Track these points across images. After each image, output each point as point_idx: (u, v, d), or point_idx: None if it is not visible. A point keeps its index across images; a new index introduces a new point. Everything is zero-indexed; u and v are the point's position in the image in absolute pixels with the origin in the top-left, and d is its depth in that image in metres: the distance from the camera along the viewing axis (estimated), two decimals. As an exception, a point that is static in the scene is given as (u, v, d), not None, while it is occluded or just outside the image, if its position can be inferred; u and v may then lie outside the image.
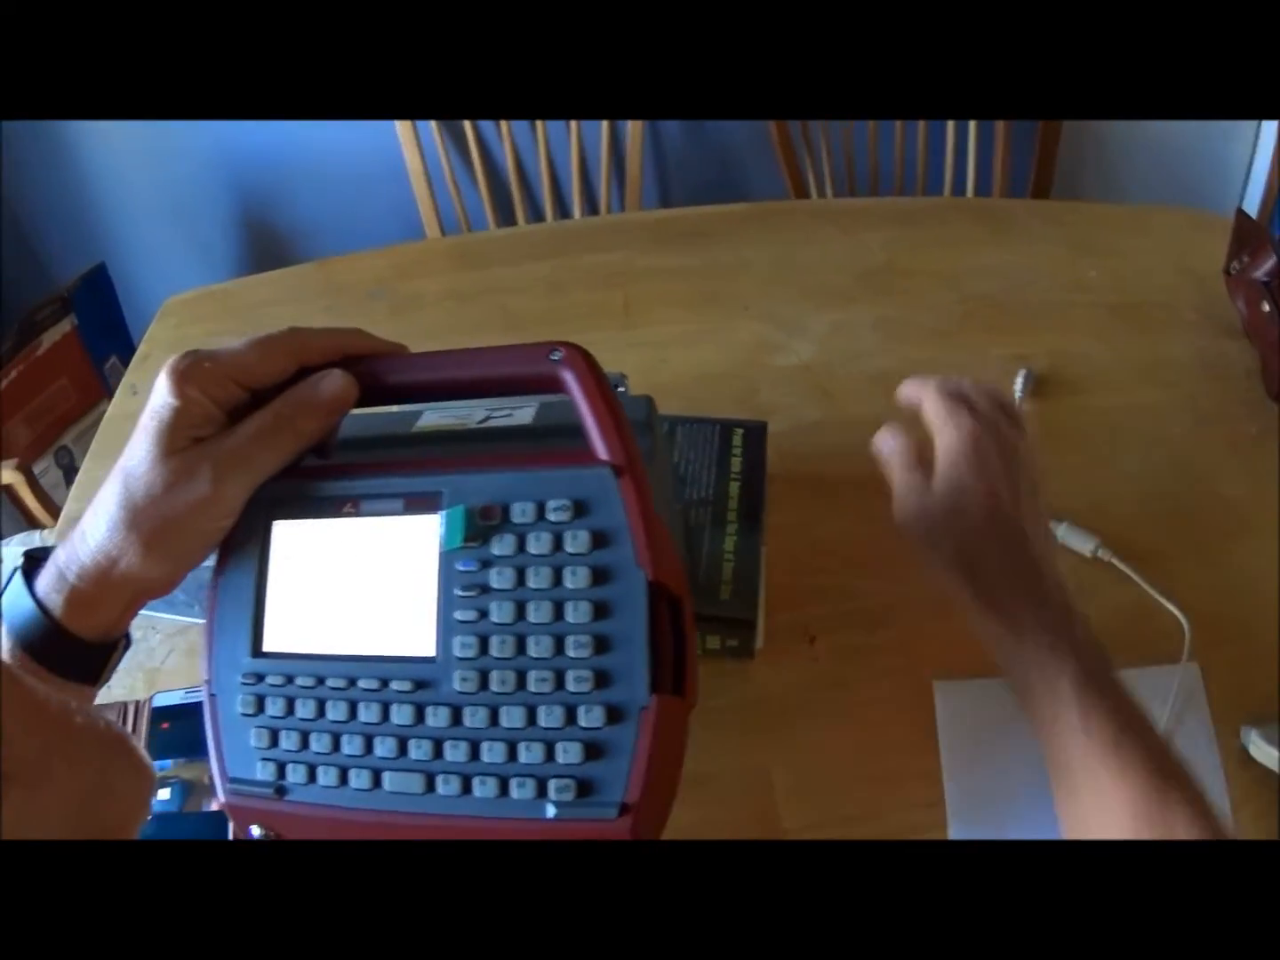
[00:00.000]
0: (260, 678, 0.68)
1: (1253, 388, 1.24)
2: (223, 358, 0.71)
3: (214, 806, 0.69)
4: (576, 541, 0.64)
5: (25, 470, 2.21)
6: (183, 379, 0.69)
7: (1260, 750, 0.91)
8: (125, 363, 2.84)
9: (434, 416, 0.85)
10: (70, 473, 2.77)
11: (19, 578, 0.71)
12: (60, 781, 0.46)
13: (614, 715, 0.61)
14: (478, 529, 0.66)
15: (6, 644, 0.69)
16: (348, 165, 2.65)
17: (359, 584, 0.69)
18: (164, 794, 1.03)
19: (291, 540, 0.71)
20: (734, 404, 1.14)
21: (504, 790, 0.62)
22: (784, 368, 1.31)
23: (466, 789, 0.63)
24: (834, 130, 2.36)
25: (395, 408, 0.89)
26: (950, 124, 2.30)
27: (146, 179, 2.79)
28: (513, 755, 0.62)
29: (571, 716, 0.62)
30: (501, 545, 0.65)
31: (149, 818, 0.55)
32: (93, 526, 0.69)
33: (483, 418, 0.83)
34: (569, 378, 0.69)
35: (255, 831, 0.68)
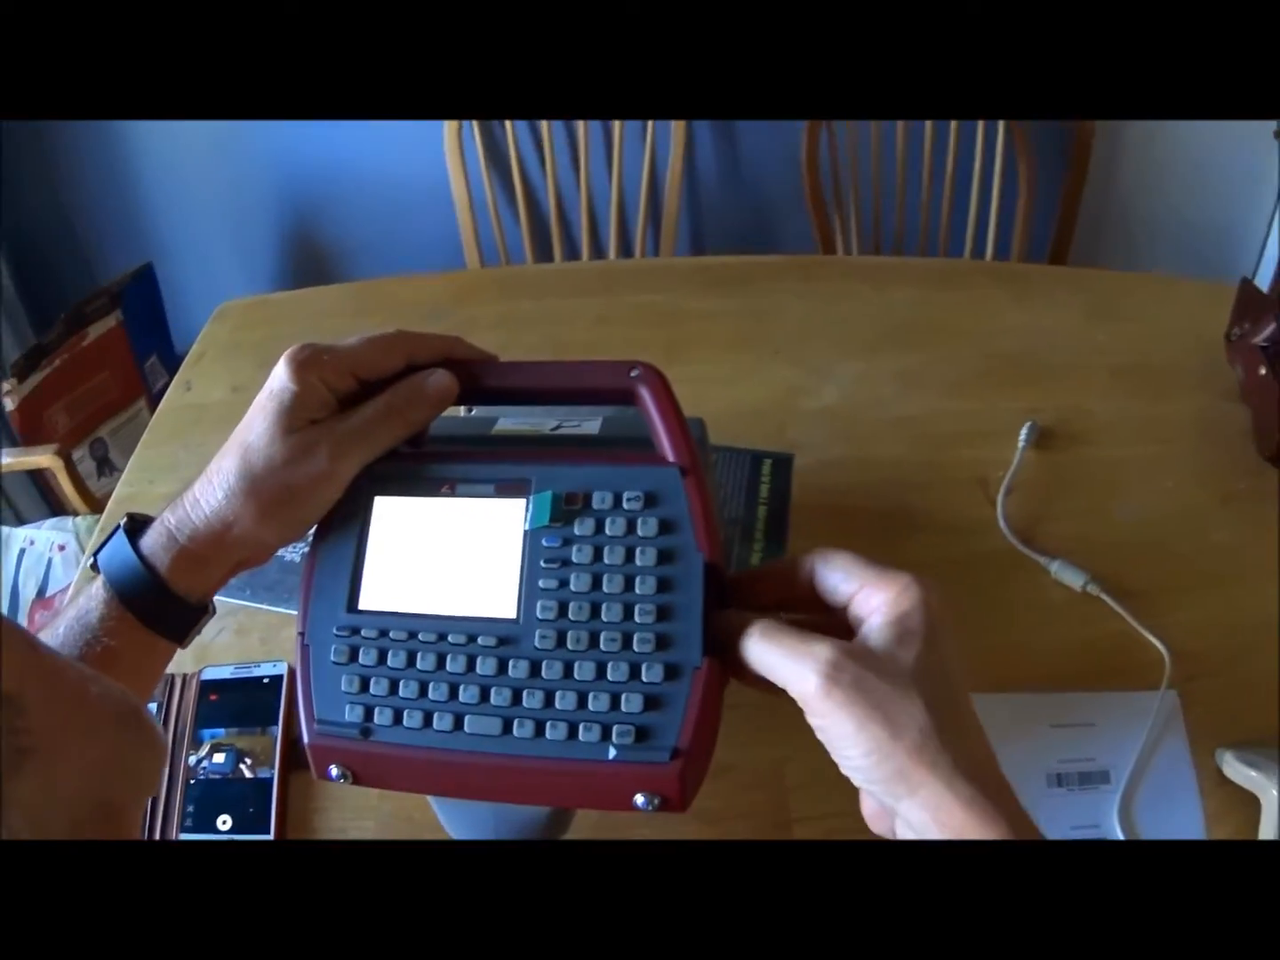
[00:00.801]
0: (355, 630, 0.78)
1: (1246, 448, 1.32)
2: (340, 350, 0.82)
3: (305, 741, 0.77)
4: (647, 526, 0.76)
5: (65, 456, 2.28)
6: (303, 367, 0.79)
7: (1234, 770, 0.99)
8: (166, 361, 2.93)
9: (509, 422, 0.96)
10: (103, 464, 2.86)
11: (122, 535, 0.79)
12: (75, 752, 0.46)
13: (671, 673, 0.72)
14: (562, 511, 0.77)
15: (104, 595, 0.78)
16: (394, 189, 2.76)
17: (450, 555, 0.80)
18: (219, 758, 1.12)
19: (391, 514, 0.82)
20: (764, 439, 1.22)
21: (572, 734, 0.72)
22: (811, 409, 1.39)
23: (539, 732, 0.73)
24: (865, 188, 2.45)
25: (474, 413, 1.01)
26: (975, 188, 2.39)
27: (198, 184, 2.89)
28: (582, 704, 0.73)
29: (635, 672, 0.73)
30: (583, 526, 0.77)
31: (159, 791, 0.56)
32: (208, 494, 0.78)
33: (554, 426, 0.94)
34: (644, 391, 0.81)
35: (334, 771, 0.78)
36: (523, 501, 0.79)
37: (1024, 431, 1.31)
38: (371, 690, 0.77)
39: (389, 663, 0.77)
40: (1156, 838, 0.97)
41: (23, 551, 2.31)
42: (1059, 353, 1.47)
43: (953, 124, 2.36)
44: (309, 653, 0.79)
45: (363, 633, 0.78)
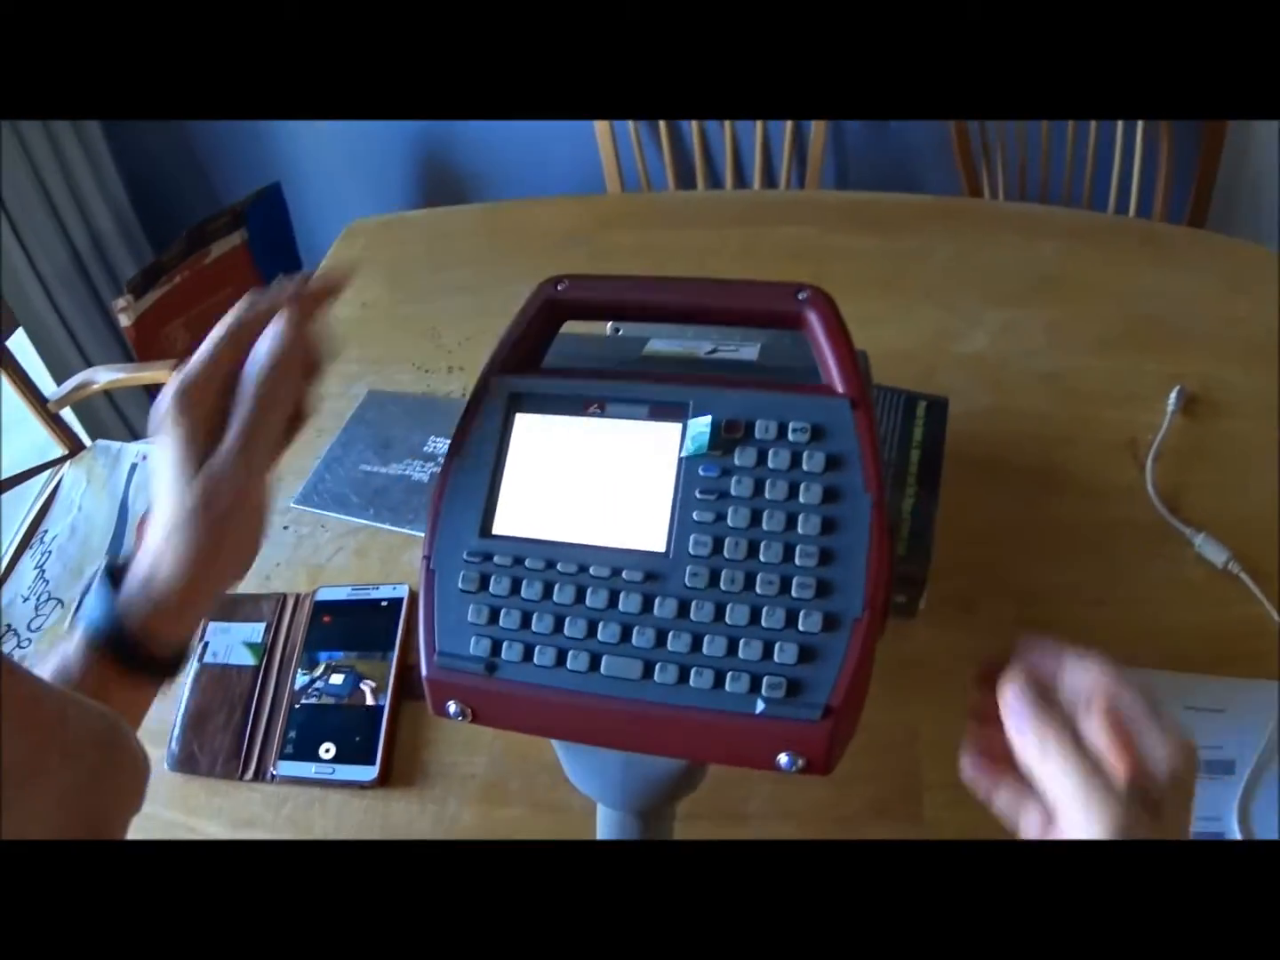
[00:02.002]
0: (487, 557, 0.73)
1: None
2: (186, 380, 0.72)
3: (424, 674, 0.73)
4: (813, 461, 0.69)
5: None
6: (169, 417, 0.71)
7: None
8: (292, 281, 2.93)
9: (661, 344, 0.90)
10: (229, 379, 2.86)
11: (101, 588, 0.72)
12: (54, 775, 0.47)
13: (830, 623, 0.66)
14: (721, 440, 0.71)
15: (84, 649, 0.71)
16: (533, 114, 2.69)
17: (596, 480, 0.74)
18: (336, 679, 1.10)
19: (532, 433, 0.76)
20: (913, 383, 1.17)
21: (719, 683, 0.67)
22: (960, 355, 1.35)
23: (683, 678, 0.67)
24: (1009, 137, 2.38)
25: (621, 334, 0.95)
26: (1119, 142, 2.32)
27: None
28: (732, 650, 0.67)
29: (792, 620, 0.67)
30: (743, 457, 0.70)
31: (144, 802, 0.55)
32: (157, 550, 0.71)
33: (710, 349, 0.88)
34: (812, 315, 0.75)
35: (452, 708, 0.73)
36: (678, 426, 0.73)
37: (1173, 396, 1.26)
38: (501, 622, 0.72)
39: (522, 593, 0.72)
40: (1271, 837, 0.92)
41: (134, 467, 2.31)
42: (1200, 320, 1.41)
43: None
44: (434, 578, 0.74)
45: (495, 559, 0.73)
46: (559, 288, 0.81)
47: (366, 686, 1.09)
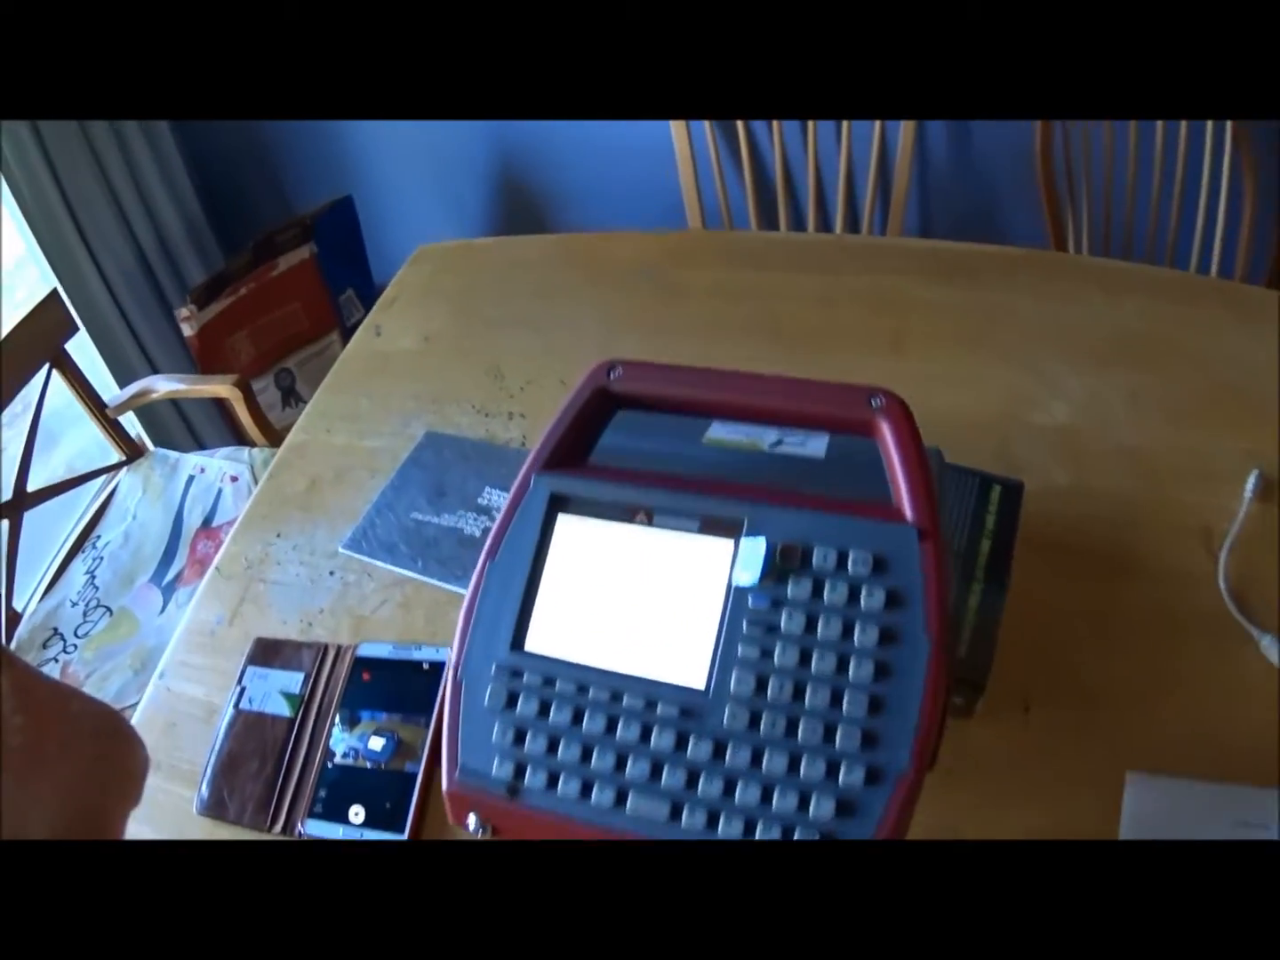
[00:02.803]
0: (517, 673, 0.70)
1: None
2: None
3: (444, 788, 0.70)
4: (872, 599, 0.65)
5: (243, 386, 2.27)
6: None
7: None
8: (361, 296, 2.94)
9: (723, 431, 0.86)
10: (289, 395, 2.88)
11: None
12: (53, 766, 0.47)
13: (873, 777, 0.63)
14: (776, 567, 0.67)
15: None
16: (612, 138, 2.68)
17: (638, 597, 0.70)
18: (377, 743, 1.07)
19: (574, 538, 0.73)
20: (988, 455, 1.14)
21: (749, 831, 0.63)
22: (1038, 426, 1.30)
23: (712, 824, 0.64)
24: (1096, 183, 2.34)
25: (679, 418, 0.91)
26: (1203, 196, 2.26)
27: (407, 122, 2.85)
28: (766, 799, 0.63)
29: (833, 771, 0.63)
30: (797, 588, 0.66)
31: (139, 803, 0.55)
32: None
33: (775, 441, 0.84)
34: (885, 426, 0.71)
35: (471, 823, 0.70)
36: (730, 544, 0.69)
37: (1250, 481, 1.20)
38: (527, 746, 0.69)
39: (551, 717, 0.69)
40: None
41: (191, 479, 2.32)
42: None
43: (1183, 125, 2.24)
44: (460, 690, 0.72)
45: (525, 677, 0.70)
46: (612, 375, 0.78)
47: (405, 753, 1.07)
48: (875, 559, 0.66)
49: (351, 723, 1.10)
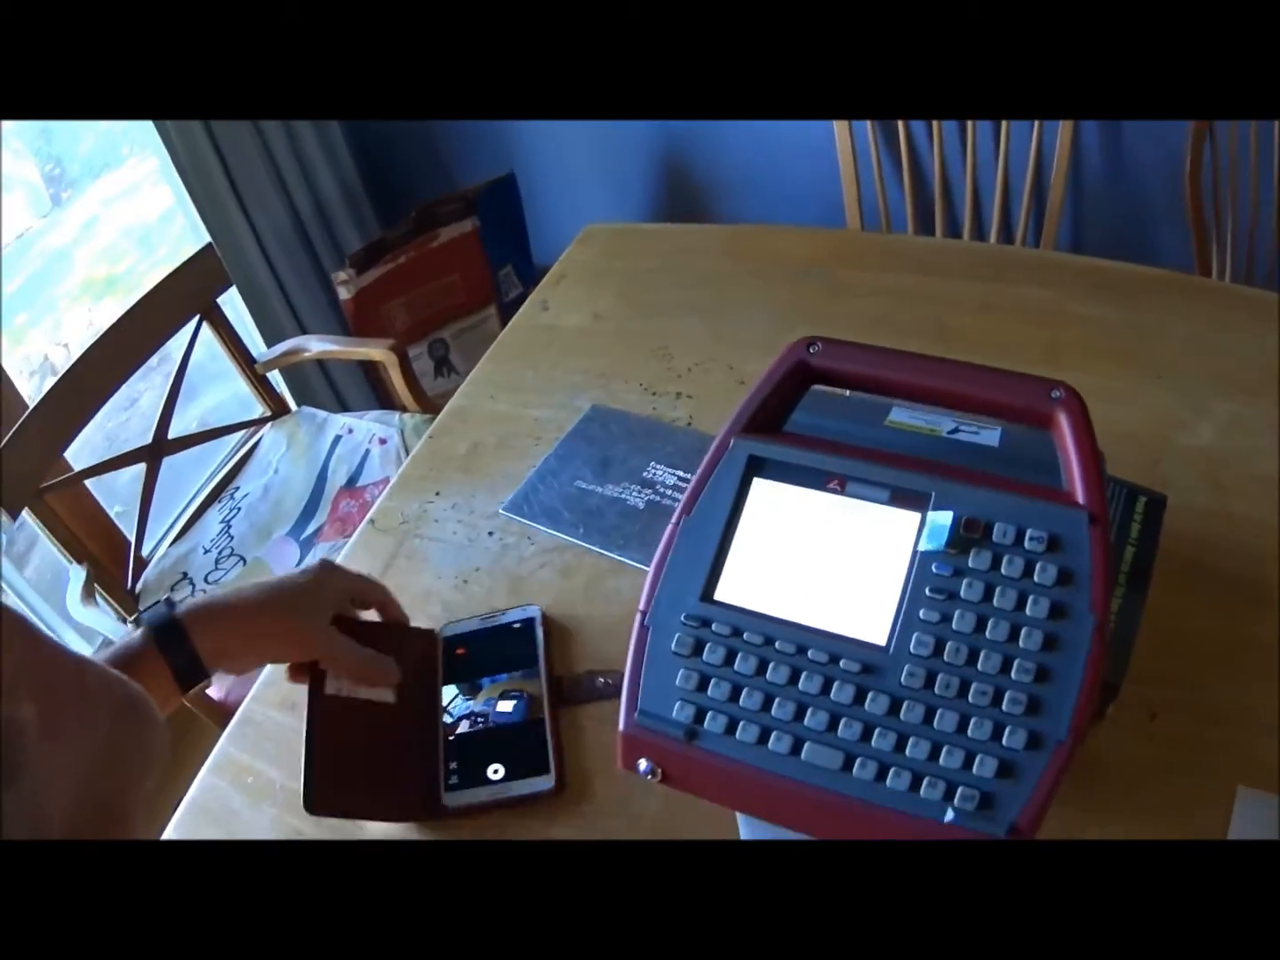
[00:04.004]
0: (705, 623, 0.75)
1: None
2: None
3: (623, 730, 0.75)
4: (1045, 574, 0.70)
5: (400, 351, 2.33)
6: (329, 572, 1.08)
7: None
8: (520, 272, 3.01)
9: (903, 416, 0.91)
10: (442, 364, 2.95)
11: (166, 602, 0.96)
12: (72, 740, 0.48)
13: (1034, 742, 0.67)
14: (960, 538, 0.72)
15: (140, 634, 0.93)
16: (776, 135, 2.73)
17: (826, 559, 0.76)
18: (505, 705, 1.10)
19: (768, 500, 0.79)
20: (1136, 471, 1.16)
21: (915, 786, 0.68)
22: (1184, 446, 1.32)
23: (881, 777, 0.69)
24: (1243, 204, 2.35)
25: (861, 399, 0.96)
26: None
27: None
28: (934, 756, 0.68)
29: (998, 734, 0.68)
30: (978, 559, 0.72)
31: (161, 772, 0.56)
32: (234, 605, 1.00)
33: (952, 429, 0.89)
34: (1063, 418, 0.76)
35: (642, 765, 0.76)
36: (917, 516, 0.75)
37: None
38: (710, 692, 0.74)
39: (736, 666, 0.74)
40: None
41: (338, 439, 2.39)
42: None
43: None
44: (647, 635, 0.77)
45: (714, 626, 0.75)
46: (811, 350, 0.83)
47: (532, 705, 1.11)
48: (1050, 538, 0.71)
49: (473, 690, 1.13)
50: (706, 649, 0.74)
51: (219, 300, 2.34)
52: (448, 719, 1.11)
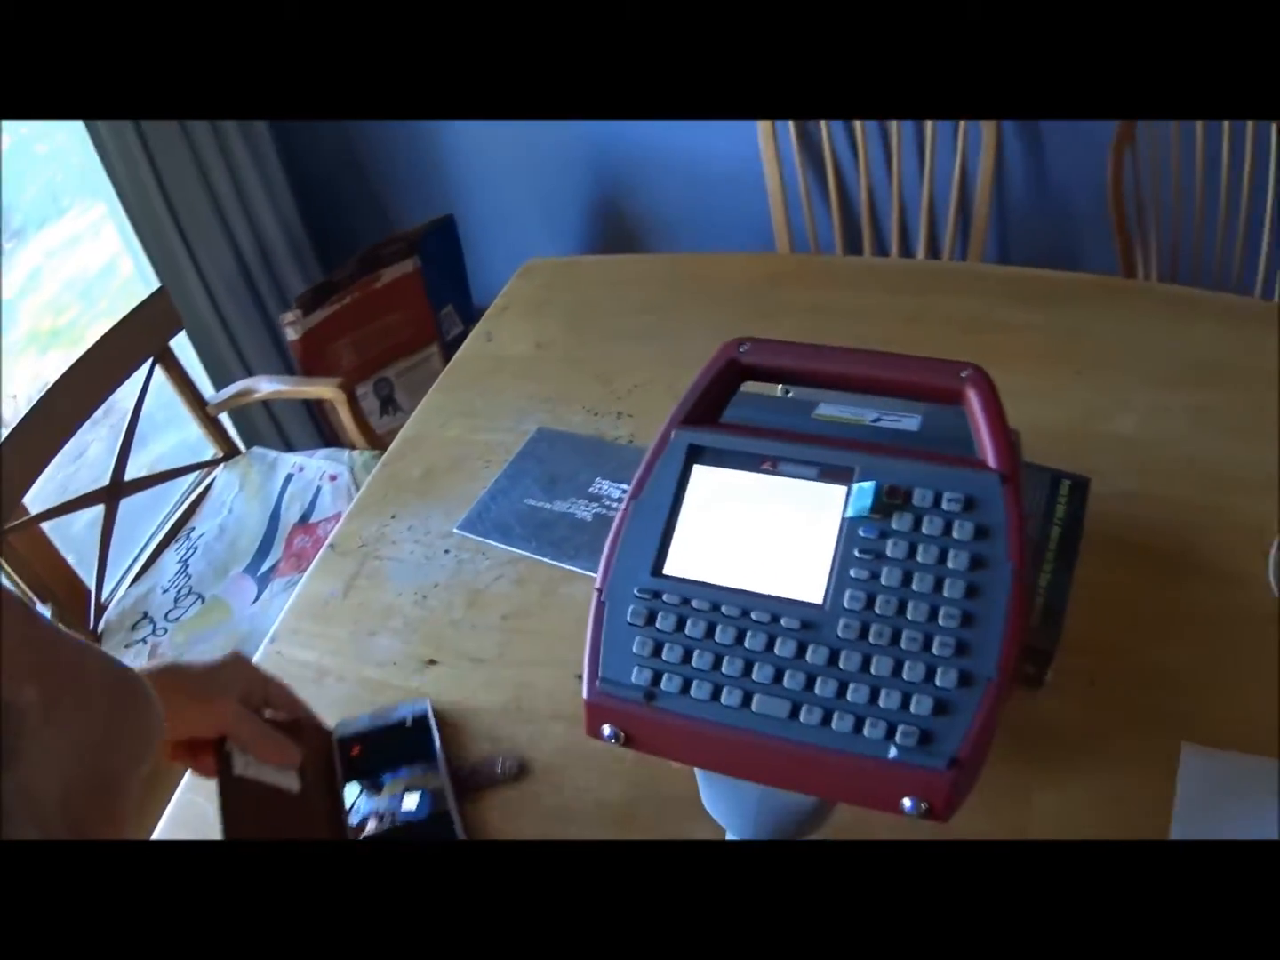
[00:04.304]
0: (656, 594, 0.83)
1: None
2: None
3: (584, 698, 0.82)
4: (963, 530, 0.79)
5: (348, 390, 2.40)
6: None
7: None
8: (461, 311, 3.08)
9: (829, 409, 1.00)
10: (387, 403, 3.01)
11: None
12: (69, 721, 0.49)
13: (965, 680, 0.75)
14: (883, 504, 0.81)
15: None
16: (706, 166, 2.83)
17: (763, 532, 0.84)
18: (410, 800, 1.09)
19: (708, 484, 0.87)
20: (1060, 461, 1.23)
21: (858, 728, 0.76)
22: (1108, 435, 1.41)
23: (826, 721, 0.76)
24: (1165, 213, 2.46)
25: (791, 395, 1.05)
26: (1266, 229, 2.39)
27: (506, 143, 3.00)
28: (873, 699, 0.76)
29: (930, 675, 0.76)
30: (901, 522, 0.80)
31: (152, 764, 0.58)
32: None
33: (874, 418, 0.98)
34: (972, 393, 0.85)
35: (606, 730, 0.83)
36: (843, 489, 0.83)
37: None
38: (664, 656, 0.81)
39: (686, 631, 0.81)
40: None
41: (290, 477, 2.44)
42: None
43: (1247, 156, 2.38)
44: (604, 610, 0.84)
45: (664, 597, 0.83)
46: (741, 349, 0.92)
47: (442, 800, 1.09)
48: (966, 499, 0.80)
49: (375, 788, 1.11)
50: (659, 618, 0.82)
51: (172, 343, 2.39)
52: (353, 819, 1.08)
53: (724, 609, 0.81)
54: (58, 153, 2.82)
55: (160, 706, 0.59)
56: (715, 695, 0.79)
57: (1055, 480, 1.21)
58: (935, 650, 0.76)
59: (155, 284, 2.53)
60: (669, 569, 0.84)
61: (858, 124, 2.58)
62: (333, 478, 2.39)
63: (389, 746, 1.15)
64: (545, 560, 1.34)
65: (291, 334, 2.75)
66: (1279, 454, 1.32)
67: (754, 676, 0.78)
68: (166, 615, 2.25)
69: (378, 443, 2.44)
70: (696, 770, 0.86)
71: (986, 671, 0.75)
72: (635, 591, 0.84)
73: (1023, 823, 1.03)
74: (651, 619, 0.82)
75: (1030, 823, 1.03)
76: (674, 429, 0.89)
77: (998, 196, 2.72)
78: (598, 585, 0.85)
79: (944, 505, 0.80)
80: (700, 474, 0.87)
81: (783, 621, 0.79)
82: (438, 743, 1.15)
